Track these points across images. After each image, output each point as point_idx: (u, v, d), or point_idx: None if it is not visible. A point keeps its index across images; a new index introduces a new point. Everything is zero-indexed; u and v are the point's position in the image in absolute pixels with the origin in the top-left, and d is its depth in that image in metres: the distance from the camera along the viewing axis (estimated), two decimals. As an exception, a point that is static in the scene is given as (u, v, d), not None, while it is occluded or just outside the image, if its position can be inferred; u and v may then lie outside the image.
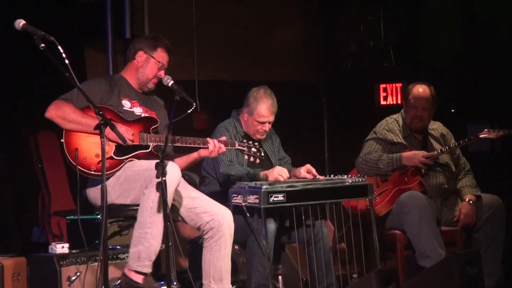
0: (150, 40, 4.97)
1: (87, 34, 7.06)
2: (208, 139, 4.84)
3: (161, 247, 4.60)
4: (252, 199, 4.85)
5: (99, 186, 4.33)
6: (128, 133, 4.67)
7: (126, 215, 4.87)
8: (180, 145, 4.81)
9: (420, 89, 5.86)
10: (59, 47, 4.01)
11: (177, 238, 4.62)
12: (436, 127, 6.02)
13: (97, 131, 4.32)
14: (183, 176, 4.95)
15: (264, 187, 4.81)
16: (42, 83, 6.35)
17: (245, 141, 4.96)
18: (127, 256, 5.41)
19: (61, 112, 4.63)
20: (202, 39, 7.62)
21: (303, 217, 4.99)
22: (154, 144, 4.77)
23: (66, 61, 4.01)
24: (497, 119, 7.31)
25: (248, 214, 4.90)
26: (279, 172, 5.08)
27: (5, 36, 5.95)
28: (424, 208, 5.50)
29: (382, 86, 7.81)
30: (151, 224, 4.52)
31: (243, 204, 4.89)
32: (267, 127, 5.37)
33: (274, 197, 4.84)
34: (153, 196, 4.52)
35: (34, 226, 6.64)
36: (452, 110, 7.60)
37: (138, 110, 4.89)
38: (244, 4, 8.10)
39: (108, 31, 7.04)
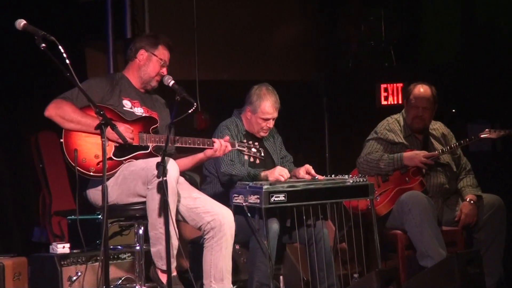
0: (151, 38, 4.96)
1: (87, 34, 7.06)
2: (214, 139, 4.84)
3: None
4: (253, 199, 4.85)
5: (99, 187, 4.33)
6: (127, 131, 4.66)
7: (127, 215, 4.87)
8: (185, 146, 4.80)
9: (421, 89, 5.85)
10: (60, 47, 4.01)
11: (178, 238, 4.62)
12: (437, 127, 6.01)
13: (97, 131, 4.30)
14: (183, 176, 4.96)
15: (265, 187, 4.81)
16: (42, 83, 6.35)
17: (245, 141, 4.96)
18: (128, 256, 5.44)
19: (60, 111, 4.63)
20: (202, 39, 7.63)
21: (304, 217, 4.99)
22: (154, 144, 4.77)
23: (67, 61, 4.01)
24: (498, 119, 7.31)
25: (249, 214, 4.90)
26: (280, 172, 5.08)
27: (5, 36, 5.95)
28: (425, 208, 5.50)
29: (383, 86, 7.81)
30: (162, 224, 4.50)
31: (244, 204, 4.89)
32: (271, 123, 5.38)
33: (275, 197, 4.83)
34: (156, 197, 4.52)
35: (35, 226, 6.64)
36: (453, 110, 7.60)
37: (139, 110, 4.88)
38: (244, 4, 8.10)
39: (108, 31, 7.04)
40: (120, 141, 4.58)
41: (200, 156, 4.90)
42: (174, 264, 4.58)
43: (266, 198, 4.80)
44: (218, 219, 4.71)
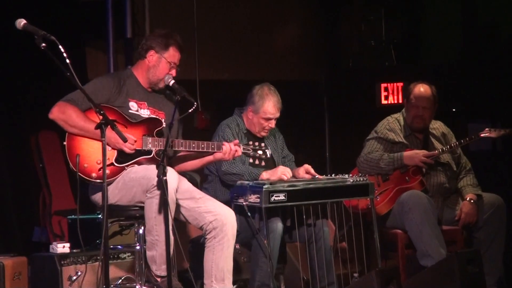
0: (162, 39, 4.86)
1: (88, 33, 7.06)
2: (224, 142, 4.83)
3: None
4: (253, 198, 4.85)
5: (100, 190, 4.37)
6: (129, 141, 4.63)
7: (127, 215, 4.87)
8: (189, 150, 4.78)
9: (422, 89, 5.85)
10: (60, 47, 4.00)
11: (178, 237, 4.62)
12: (437, 126, 6.01)
13: (99, 137, 4.34)
14: (184, 175, 4.96)
15: (265, 186, 4.81)
16: (43, 83, 6.35)
17: (250, 142, 4.92)
18: (128, 256, 5.44)
19: (64, 116, 4.62)
20: (203, 39, 7.62)
21: (304, 216, 4.99)
22: (157, 149, 4.75)
23: (67, 61, 4.00)
24: (498, 118, 7.31)
25: (249, 214, 4.90)
26: (283, 172, 5.08)
27: (5, 35, 5.95)
28: (425, 208, 5.50)
29: (383, 85, 7.81)
30: (158, 232, 4.55)
31: (244, 203, 4.89)
32: (273, 123, 5.38)
33: (275, 196, 4.84)
34: (155, 206, 4.54)
35: (35, 225, 6.64)
36: (454, 110, 7.60)
37: (145, 112, 4.84)
38: (245, 4, 8.10)
39: (109, 30, 7.04)
40: (121, 148, 4.58)
41: (209, 158, 4.89)
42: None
43: (266, 198, 4.80)
44: (220, 219, 4.70)
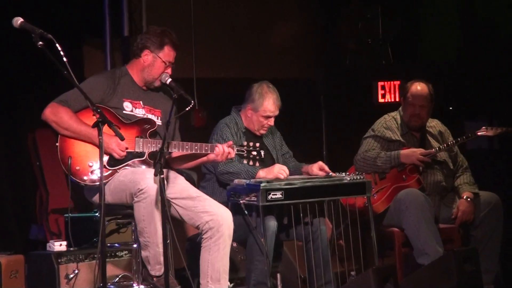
0: (157, 38, 4.83)
1: (85, 31, 7.04)
2: (217, 144, 4.82)
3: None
4: (250, 197, 4.85)
5: (96, 190, 4.44)
6: (120, 148, 4.64)
7: (125, 213, 4.86)
8: (183, 152, 4.78)
9: (419, 87, 5.86)
10: (57, 45, 4.00)
11: (175, 235, 4.62)
12: (434, 124, 6.02)
13: (92, 140, 4.46)
14: (181, 174, 4.96)
15: (262, 184, 4.81)
16: (40, 81, 6.34)
17: (245, 143, 4.91)
18: (125, 254, 5.44)
19: (56, 118, 4.61)
20: (200, 37, 7.62)
21: (301, 215, 4.99)
22: (150, 151, 4.74)
23: (64, 59, 4.00)
24: (495, 116, 7.33)
25: (246, 212, 4.90)
26: (279, 170, 5.08)
27: (2, 34, 5.94)
28: (422, 206, 5.51)
29: (380, 83, 7.82)
30: (149, 234, 4.57)
31: (241, 202, 4.89)
32: (272, 121, 5.39)
33: (273, 194, 4.84)
34: (142, 210, 4.55)
35: (32, 223, 6.64)
36: (450, 108, 7.61)
37: (140, 112, 4.83)
38: (242, 2, 8.09)
39: (106, 28, 7.02)
40: (111, 151, 4.60)
41: (203, 159, 4.89)
42: (162, 270, 4.60)
43: (264, 196, 4.80)
44: (217, 219, 4.68)
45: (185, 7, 7.58)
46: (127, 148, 4.67)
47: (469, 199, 5.75)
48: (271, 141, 5.52)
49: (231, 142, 4.85)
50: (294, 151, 5.69)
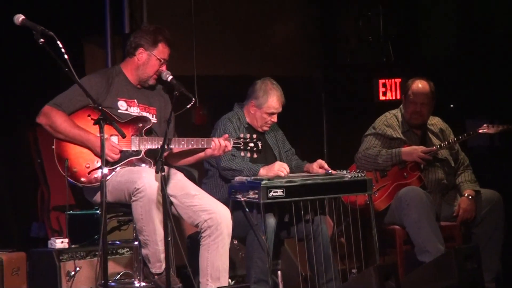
0: (150, 35, 4.83)
1: (86, 29, 7.03)
2: (213, 138, 4.81)
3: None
4: (251, 194, 4.85)
5: (95, 190, 4.48)
6: (113, 151, 4.64)
7: (126, 211, 4.87)
8: (180, 148, 4.77)
9: (420, 85, 5.85)
10: (58, 42, 4.01)
11: (176, 233, 4.62)
12: (435, 122, 6.01)
13: (86, 144, 4.53)
14: (181, 171, 4.95)
15: (263, 182, 4.81)
16: (41, 78, 6.34)
17: (242, 135, 4.90)
18: (126, 251, 5.44)
19: (50, 122, 4.64)
20: (201, 34, 7.61)
21: (302, 212, 4.99)
22: (146, 148, 4.74)
23: (65, 56, 4.00)
24: (496, 114, 7.32)
25: (247, 209, 4.90)
26: (279, 168, 5.08)
27: (3, 31, 5.94)
28: (423, 203, 5.51)
29: (381, 81, 7.80)
30: (147, 232, 4.58)
31: (242, 199, 4.90)
32: (276, 118, 5.39)
33: (273, 192, 4.84)
34: (139, 209, 4.56)
35: (33, 221, 6.63)
36: (451, 105, 7.60)
37: (135, 110, 4.83)
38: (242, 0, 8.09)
39: (107, 26, 7.01)
40: (108, 157, 4.58)
41: (200, 155, 4.88)
42: (162, 267, 4.61)
43: (264, 193, 4.80)
44: (216, 218, 4.67)
45: (186, 3, 7.56)
46: (121, 151, 4.67)
47: (470, 197, 5.75)
48: (272, 138, 5.52)
49: (227, 135, 4.83)
50: (295, 149, 5.69)
